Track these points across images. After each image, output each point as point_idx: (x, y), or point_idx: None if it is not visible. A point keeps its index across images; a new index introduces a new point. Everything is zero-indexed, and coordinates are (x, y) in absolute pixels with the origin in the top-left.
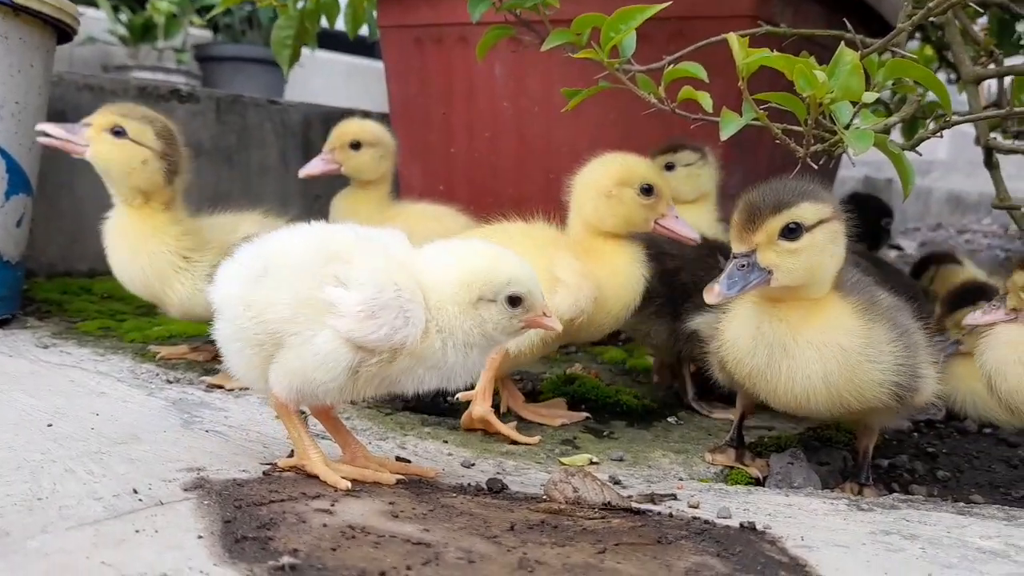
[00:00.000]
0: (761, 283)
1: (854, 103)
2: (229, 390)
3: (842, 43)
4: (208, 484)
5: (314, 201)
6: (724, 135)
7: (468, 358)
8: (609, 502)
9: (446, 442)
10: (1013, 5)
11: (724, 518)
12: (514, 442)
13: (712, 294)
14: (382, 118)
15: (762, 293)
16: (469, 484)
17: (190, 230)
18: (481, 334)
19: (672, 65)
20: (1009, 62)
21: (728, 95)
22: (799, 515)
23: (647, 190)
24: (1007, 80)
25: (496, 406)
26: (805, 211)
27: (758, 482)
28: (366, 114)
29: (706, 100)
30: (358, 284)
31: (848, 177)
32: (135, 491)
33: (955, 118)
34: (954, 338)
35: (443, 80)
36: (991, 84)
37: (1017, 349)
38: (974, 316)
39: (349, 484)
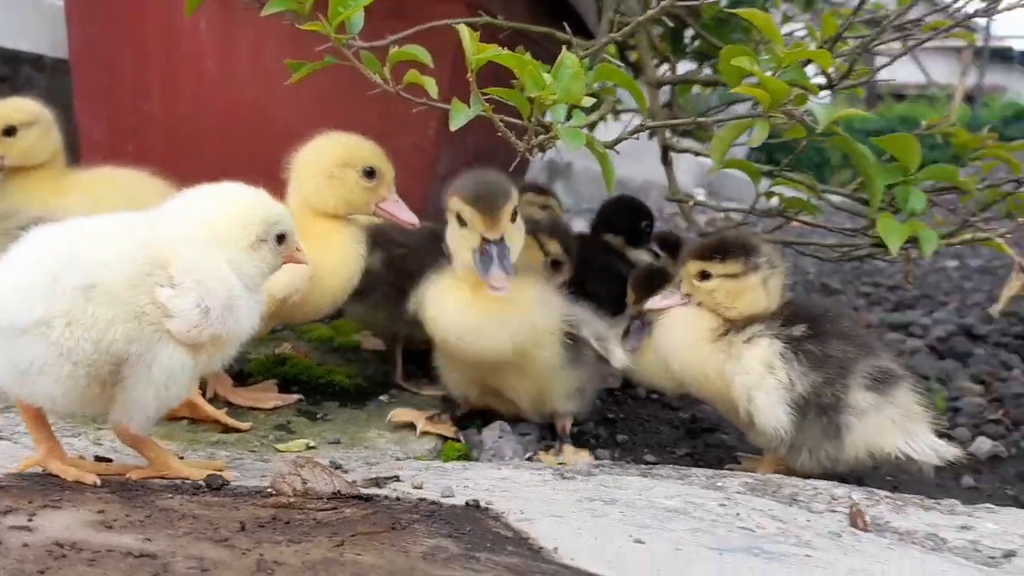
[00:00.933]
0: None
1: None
2: None
3: (564, 48)
4: None
5: None
6: (453, 126)
7: (252, 305)
8: (339, 491)
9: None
10: (688, 18)
11: (448, 497)
12: (226, 429)
13: (498, 279)
14: (56, 64)
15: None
16: (185, 482)
17: None
18: (259, 275)
19: (396, 46)
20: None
21: (443, 77)
22: (514, 488)
23: (369, 173)
24: None
25: (202, 392)
26: (515, 196)
27: (467, 456)
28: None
29: (431, 86)
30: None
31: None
32: None
33: (649, 122)
34: (645, 319)
35: (137, 27)
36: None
37: (689, 330)
38: (654, 301)
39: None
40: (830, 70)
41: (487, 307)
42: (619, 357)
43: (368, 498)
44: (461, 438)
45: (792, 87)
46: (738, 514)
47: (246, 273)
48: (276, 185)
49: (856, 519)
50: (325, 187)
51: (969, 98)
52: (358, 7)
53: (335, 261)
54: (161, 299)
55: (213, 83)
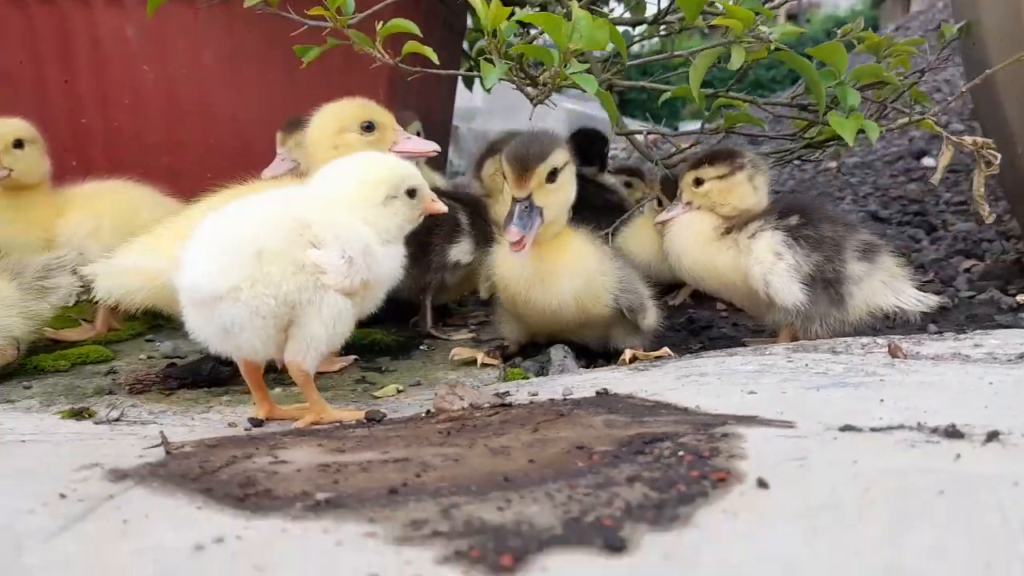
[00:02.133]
0: (539, 223)
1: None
2: None
3: (575, 3)
4: (146, 469)
5: None
6: (488, 85)
7: (392, 253)
8: (489, 402)
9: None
10: None
11: (570, 395)
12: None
13: (512, 234)
14: None
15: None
16: (347, 423)
17: None
18: (397, 227)
19: (381, 22)
20: None
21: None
22: (615, 381)
23: (368, 127)
24: None
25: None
26: (559, 156)
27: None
28: None
29: (431, 54)
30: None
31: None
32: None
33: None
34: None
35: (60, 45)
36: None
37: (695, 231)
38: (662, 214)
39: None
40: None
41: (545, 264)
42: (648, 324)
43: (510, 405)
44: (518, 366)
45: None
46: (806, 365)
47: (384, 227)
48: (229, 180)
49: (895, 352)
50: (335, 158)
51: (792, 16)
52: None
53: None
54: (313, 259)
55: (150, 89)
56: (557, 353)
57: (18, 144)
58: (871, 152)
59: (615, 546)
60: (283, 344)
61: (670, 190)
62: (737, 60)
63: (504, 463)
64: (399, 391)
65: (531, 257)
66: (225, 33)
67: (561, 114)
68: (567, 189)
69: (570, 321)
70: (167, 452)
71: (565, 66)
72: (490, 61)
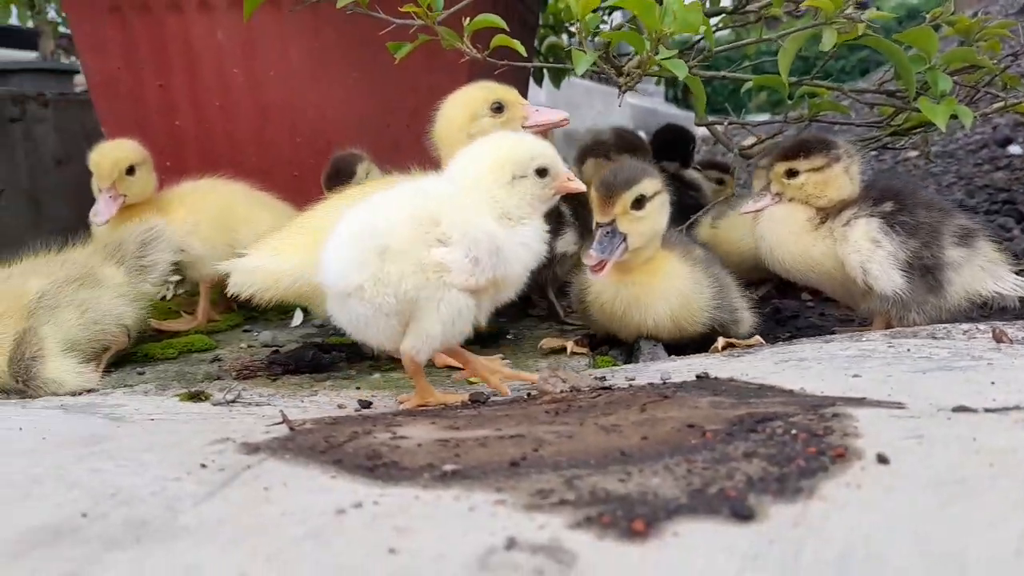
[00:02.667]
0: (622, 249)
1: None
2: None
3: None
4: (276, 443)
5: None
6: (579, 71)
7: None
8: (590, 385)
9: (359, 388)
10: None
11: (669, 379)
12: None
13: (590, 258)
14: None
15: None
16: (453, 405)
17: None
18: (528, 206)
19: (467, 18)
20: None
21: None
22: (713, 366)
23: (497, 108)
24: None
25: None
26: (647, 185)
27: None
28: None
29: (520, 47)
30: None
31: None
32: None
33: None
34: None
35: (155, 51)
36: None
37: (788, 224)
38: (747, 206)
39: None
40: None
41: (640, 288)
42: (741, 334)
43: (611, 388)
44: (606, 354)
45: None
46: (908, 350)
47: (512, 208)
48: (315, 177)
49: (1000, 337)
50: (469, 141)
51: (861, 4)
52: None
53: None
54: (437, 258)
55: (239, 90)
56: (646, 343)
57: (130, 170)
58: (952, 140)
59: (743, 514)
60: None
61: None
62: (829, 41)
63: (618, 439)
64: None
65: (626, 281)
66: (310, 35)
67: (625, 110)
68: (655, 218)
69: (665, 338)
70: (291, 428)
71: (656, 52)
72: (559, 54)
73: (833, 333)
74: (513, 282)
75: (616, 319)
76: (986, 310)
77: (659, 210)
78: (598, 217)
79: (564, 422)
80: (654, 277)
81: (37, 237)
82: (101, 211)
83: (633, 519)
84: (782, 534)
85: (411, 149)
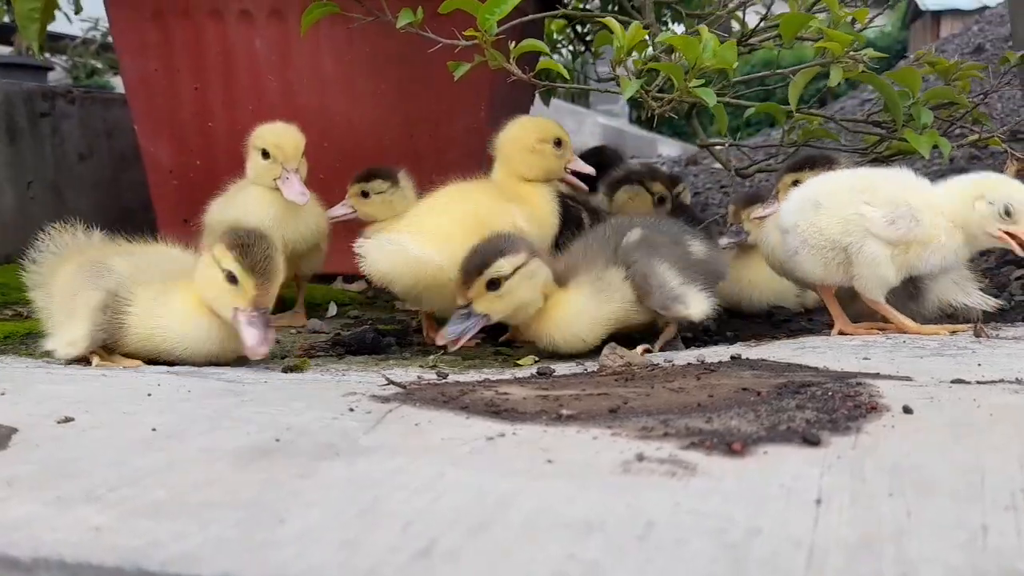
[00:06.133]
0: (477, 328)
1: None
2: None
3: (703, 27)
4: (401, 396)
5: (27, 187)
6: (626, 95)
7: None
8: (643, 363)
9: (420, 366)
10: None
11: (704, 359)
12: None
13: (441, 338)
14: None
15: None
16: (521, 376)
17: None
18: (978, 229)
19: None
20: None
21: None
22: (744, 350)
23: (558, 143)
24: None
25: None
26: (502, 265)
27: None
28: None
29: (562, 69)
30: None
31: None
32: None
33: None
34: (744, 228)
35: (194, 55)
36: None
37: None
38: (756, 210)
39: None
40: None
41: (546, 326)
42: (693, 314)
43: (658, 365)
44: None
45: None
46: (903, 342)
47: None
48: (341, 181)
49: (980, 332)
50: (530, 159)
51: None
52: (503, 12)
53: (545, 212)
54: (860, 211)
55: (273, 96)
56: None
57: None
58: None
59: (813, 440)
60: (832, 274)
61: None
62: (836, 78)
63: (687, 397)
64: (535, 360)
65: (531, 329)
66: (344, 47)
67: (595, 129)
68: (519, 292)
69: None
70: (403, 387)
71: (689, 82)
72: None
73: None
74: (923, 251)
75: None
76: (954, 320)
77: (523, 285)
78: (457, 299)
79: (636, 386)
80: (549, 318)
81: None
82: (303, 191)
83: (731, 443)
84: (845, 453)
85: (433, 158)
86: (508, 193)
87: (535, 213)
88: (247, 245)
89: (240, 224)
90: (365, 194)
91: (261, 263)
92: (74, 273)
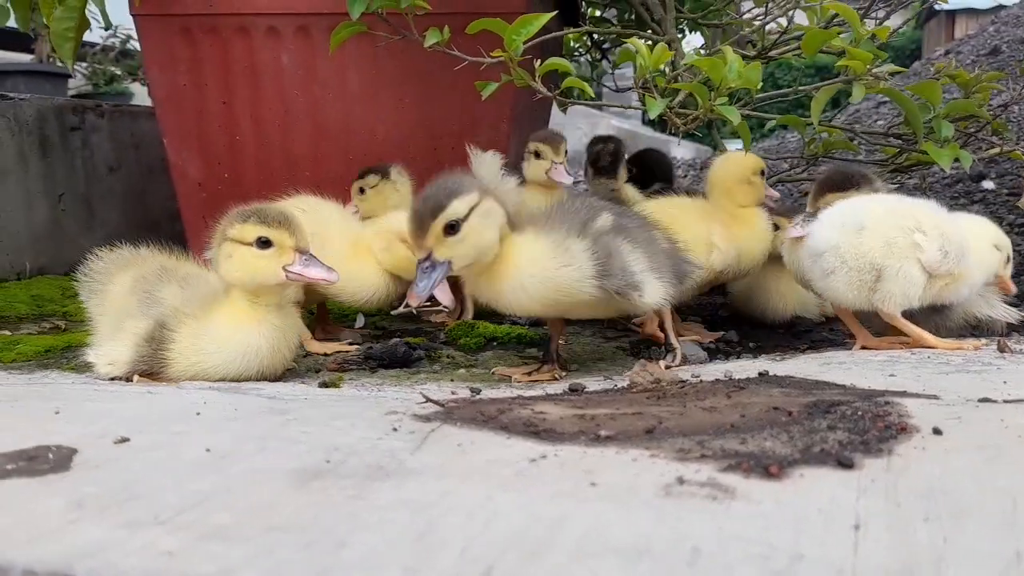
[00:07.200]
0: (444, 275)
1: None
2: None
3: (728, 48)
4: (442, 415)
5: (58, 200)
6: (652, 114)
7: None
8: (672, 379)
9: (452, 380)
10: None
11: (732, 375)
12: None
13: (413, 298)
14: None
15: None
16: (552, 392)
17: None
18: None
19: (538, 59)
20: None
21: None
22: (771, 365)
23: (762, 173)
24: None
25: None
26: (457, 207)
27: None
28: None
29: (587, 88)
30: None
31: None
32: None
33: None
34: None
35: (222, 70)
36: None
37: None
38: (792, 230)
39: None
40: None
41: (498, 281)
42: (646, 302)
43: (687, 381)
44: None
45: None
46: (928, 357)
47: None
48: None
49: (1004, 348)
50: (746, 189)
51: None
52: (528, 34)
53: (761, 230)
54: (915, 240)
55: (299, 110)
56: (683, 343)
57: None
58: (931, 175)
59: (847, 463)
60: (859, 296)
61: None
62: (858, 95)
63: (720, 417)
64: (555, 377)
65: (482, 281)
66: (369, 63)
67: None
68: (478, 234)
69: (561, 314)
70: (441, 405)
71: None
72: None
73: (845, 345)
74: (962, 286)
75: (493, 307)
76: (978, 331)
77: (481, 225)
78: (415, 253)
79: (668, 405)
80: (503, 265)
81: (91, 240)
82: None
83: (767, 465)
84: (879, 476)
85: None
86: (725, 216)
87: (754, 232)
88: (256, 211)
89: None
90: (362, 191)
91: (277, 215)
92: (130, 288)
